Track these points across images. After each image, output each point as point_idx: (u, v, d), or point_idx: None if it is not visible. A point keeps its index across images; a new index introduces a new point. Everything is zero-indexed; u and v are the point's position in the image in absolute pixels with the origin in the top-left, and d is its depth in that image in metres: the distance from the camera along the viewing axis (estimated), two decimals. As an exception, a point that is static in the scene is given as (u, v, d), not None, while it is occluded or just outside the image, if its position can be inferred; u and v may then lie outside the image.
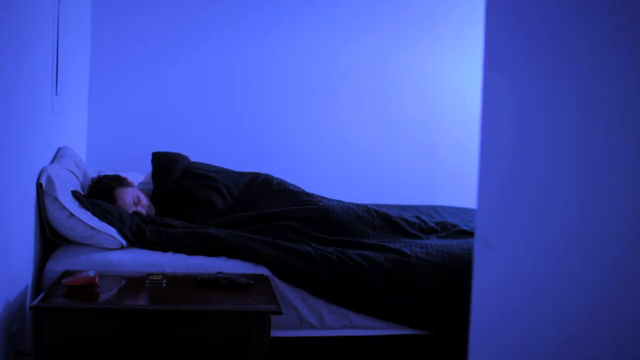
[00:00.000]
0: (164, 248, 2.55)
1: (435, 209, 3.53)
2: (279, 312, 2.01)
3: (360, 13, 4.18)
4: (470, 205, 3.83)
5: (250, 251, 2.52)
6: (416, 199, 3.94)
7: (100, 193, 2.76)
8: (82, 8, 3.57)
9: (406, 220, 2.97)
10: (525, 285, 1.04)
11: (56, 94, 2.75)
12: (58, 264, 2.42)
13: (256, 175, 3.17)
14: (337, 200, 3.10)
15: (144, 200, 2.88)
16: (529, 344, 1.01)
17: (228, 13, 4.01)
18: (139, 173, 3.36)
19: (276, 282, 2.48)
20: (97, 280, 2.08)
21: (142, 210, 2.83)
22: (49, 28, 2.63)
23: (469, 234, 2.89)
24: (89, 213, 2.52)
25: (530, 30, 1.02)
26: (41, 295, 2.04)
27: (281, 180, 3.17)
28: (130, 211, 2.77)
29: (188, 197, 2.95)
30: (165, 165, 3.05)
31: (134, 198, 2.83)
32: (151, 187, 3.05)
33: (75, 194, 2.53)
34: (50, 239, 2.53)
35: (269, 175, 3.18)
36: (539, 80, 0.98)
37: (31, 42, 2.36)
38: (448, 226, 3.00)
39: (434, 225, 3.00)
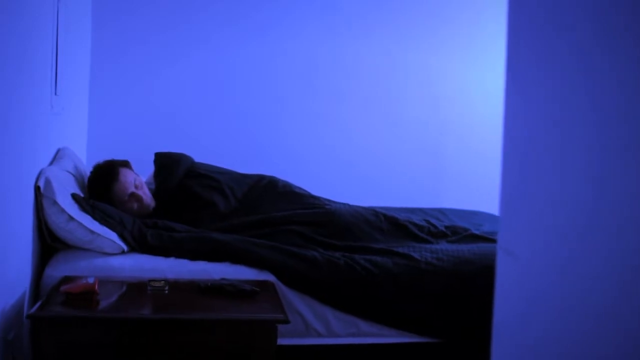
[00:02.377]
0: (165, 253, 2.47)
1: (442, 211, 3.45)
2: (286, 321, 1.93)
3: (364, 13, 4.12)
4: (478, 208, 3.77)
5: (255, 256, 2.45)
6: (423, 201, 3.87)
7: (104, 170, 2.76)
8: (83, 8, 3.51)
9: (415, 224, 2.90)
10: (549, 294, 1.00)
11: (55, 94, 2.68)
12: (57, 269, 2.34)
13: (261, 177, 3.10)
14: (344, 204, 3.03)
15: (146, 189, 2.84)
16: (552, 354, 0.97)
17: (228, 13, 3.97)
18: (140, 174, 3.29)
19: (281, 288, 2.40)
20: (96, 287, 2.00)
21: (141, 194, 2.78)
22: (48, 27, 2.57)
23: (480, 238, 2.82)
24: (89, 217, 2.44)
25: (553, 34, 0.97)
26: (39, 303, 1.97)
27: (286, 182, 3.11)
28: (129, 192, 2.74)
29: (190, 197, 2.88)
30: (168, 165, 2.99)
31: (136, 180, 2.80)
32: (153, 187, 2.98)
33: (74, 196, 2.46)
34: (49, 243, 2.46)
35: (274, 177, 3.12)
36: (562, 89, 0.94)
37: (30, 41, 2.30)
38: (458, 230, 2.92)
39: (443, 229, 2.92)
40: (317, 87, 4.10)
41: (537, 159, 1.02)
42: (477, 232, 2.87)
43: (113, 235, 2.45)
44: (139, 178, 2.85)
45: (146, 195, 2.82)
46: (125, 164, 2.86)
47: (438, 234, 2.87)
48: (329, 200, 3.03)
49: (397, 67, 4.16)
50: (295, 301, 2.40)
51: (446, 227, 2.97)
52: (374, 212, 2.91)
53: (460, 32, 4.22)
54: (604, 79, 0.84)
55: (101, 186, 2.74)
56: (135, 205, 2.78)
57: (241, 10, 3.97)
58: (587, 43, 0.88)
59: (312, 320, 2.41)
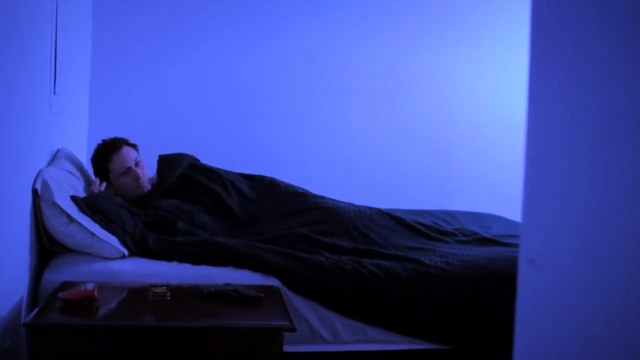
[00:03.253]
0: (167, 257, 2.40)
1: (451, 214, 3.39)
2: (292, 329, 1.86)
3: (370, 13, 4.08)
4: (486, 210, 3.71)
5: (259, 260, 2.38)
6: (431, 203, 3.81)
7: (109, 141, 2.82)
8: (83, 7, 3.45)
9: (421, 224, 2.83)
10: (573, 304, 0.97)
11: (54, 93, 2.61)
12: (56, 274, 2.27)
13: (262, 177, 3.08)
14: (348, 203, 2.96)
15: (146, 171, 2.85)
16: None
17: (230, 12, 3.93)
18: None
19: (287, 294, 2.33)
20: (96, 293, 1.93)
21: (139, 173, 2.79)
22: (47, 26, 2.51)
23: (489, 241, 2.75)
24: (89, 219, 2.37)
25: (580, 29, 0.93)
26: (36, 310, 1.90)
27: (288, 184, 3.06)
28: (127, 165, 2.77)
29: (191, 186, 2.89)
30: (172, 160, 3.01)
31: (138, 158, 2.84)
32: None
33: (74, 199, 2.39)
34: (48, 247, 2.39)
35: (274, 178, 3.08)
36: (588, 95, 0.91)
37: (29, 40, 2.24)
38: (467, 233, 2.86)
39: (451, 230, 2.86)
40: (322, 88, 4.05)
41: (561, 166, 1.00)
42: (487, 236, 2.80)
43: (114, 239, 2.38)
44: (143, 161, 2.87)
45: (144, 176, 2.83)
46: (133, 145, 2.89)
47: (447, 233, 2.80)
48: (331, 199, 2.97)
49: (405, 67, 4.11)
50: (301, 307, 2.33)
51: (454, 229, 2.91)
52: (379, 211, 2.85)
53: (468, 32, 4.18)
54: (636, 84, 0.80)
55: (102, 155, 2.80)
56: (130, 181, 2.78)
57: (242, 9, 3.93)
58: (610, 46, 0.85)
59: (319, 327, 2.34)
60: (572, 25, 0.97)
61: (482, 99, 4.19)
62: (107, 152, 2.80)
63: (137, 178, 2.79)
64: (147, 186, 2.83)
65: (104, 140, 2.87)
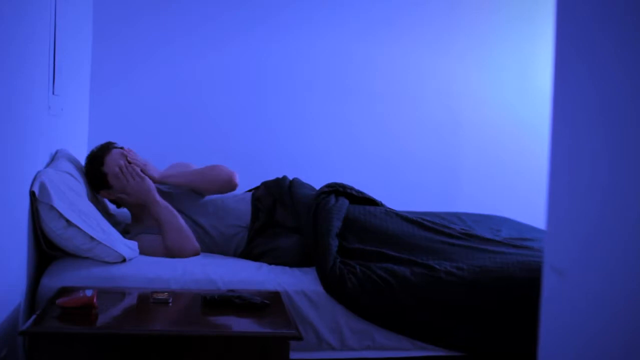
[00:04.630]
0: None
1: (458, 216, 3.32)
2: (299, 338, 1.78)
3: (379, 17, 4.06)
4: (493, 212, 3.66)
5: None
6: (438, 205, 3.75)
7: (97, 150, 2.73)
8: (84, 7, 3.40)
9: (428, 220, 2.76)
10: (600, 315, 0.93)
11: (53, 93, 2.54)
12: (54, 279, 2.20)
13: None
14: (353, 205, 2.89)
15: (148, 165, 2.75)
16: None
17: (231, 12, 3.90)
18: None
19: (293, 299, 2.26)
20: (95, 300, 1.86)
21: (137, 165, 2.68)
22: (45, 26, 2.44)
23: (500, 245, 2.67)
24: (88, 222, 2.30)
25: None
26: (33, 318, 1.82)
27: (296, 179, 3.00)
28: (122, 162, 2.67)
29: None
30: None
31: (131, 154, 2.74)
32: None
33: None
34: (46, 251, 2.32)
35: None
36: (617, 98, 0.86)
37: (26, 39, 2.17)
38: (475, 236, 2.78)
39: (459, 233, 2.78)
40: (326, 88, 4.02)
41: (588, 171, 0.94)
42: (497, 239, 2.72)
43: (114, 243, 2.31)
44: (142, 159, 2.76)
45: (142, 162, 2.72)
46: (121, 148, 2.79)
47: (455, 233, 2.72)
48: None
49: (413, 69, 4.09)
50: (309, 313, 2.26)
51: (462, 232, 2.83)
52: (386, 210, 2.79)
53: (476, 34, 4.15)
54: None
55: (95, 160, 2.70)
56: (130, 179, 2.67)
57: (243, 9, 3.90)
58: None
59: (325, 333, 2.27)
60: (600, 23, 0.91)
61: (490, 100, 4.16)
62: (98, 157, 2.71)
63: (133, 174, 2.69)
64: (154, 175, 2.75)
65: (91, 150, 2.78)
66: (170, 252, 2.54)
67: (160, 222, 2.60)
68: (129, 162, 2.69)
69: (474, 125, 4.16)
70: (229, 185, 2.77)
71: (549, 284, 1.08)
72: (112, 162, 2.68)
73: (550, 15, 4.16)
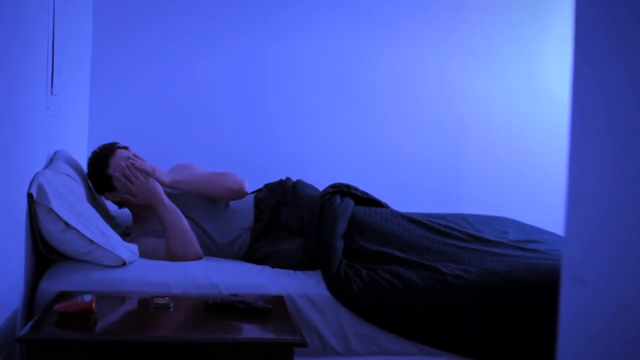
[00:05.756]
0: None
1: (464, 217, 3.26)
2: (304, 344, 1.73)
3: (383, 17, 4.01)
4: (498, 213, 3.60)
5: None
6: (441, 206, 3.70)
7: (101, 151, 2.67)
8: (84, 7, 3.36)
9: (433, 222, 2.71)
10: (622, 325, 0.89)
11: (52, 93, 2.50)
12: (53, 283, 2.16)
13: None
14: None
15: (153, 166, 2.67)
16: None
17: (231, 12, 3.87)
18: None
19: (296, 303, 2.21)
20: (94, 306, 1.81)
21: (143, 166, 2.62)
22: (43, 23, 2.39)
23: (507, 247, 2.62)
24: (87, 225, 2.25)
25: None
26: (30, 324, 1.78)
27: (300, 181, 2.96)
28: (124, 164, 2.61)
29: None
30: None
31: (130, 155, 2.67)
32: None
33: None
34: (45, 255, 2.27)
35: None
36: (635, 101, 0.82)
37: (24, 38, 2.12)
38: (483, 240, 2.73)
39: (465, 237, 2.73)
40: (330, 89, 3.98)
41: (609, 175, 0.90)
42: (504, 241, 2.67)
43: (114, 246, 2.26)
44: (144, 161, 2.70)
45: (149, 168, 2.65)
46: (125, 147, 2.73)
47: (462, 235, 2.67)
48: None
49: (417, 70, 4.05)
50: (313, 317, 2.21)
51: (469, 234, 2.78)
52: (391, 211, 2.74)
53: (481, 36, 4.11)
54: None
55: (98, 163, 2.65)
56: (134, 180, 2.62)
57: (243, 9, 3.87)
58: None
59: (330, 338, 2.22)
60: (618, 22, 0.86)
61: (495, 100, 4.12)
62: (102, 159, 2.65)
63: (136, 175, 2.62)
64: (163, 179, 2.67)
65: (94, 152, 2.72)
66: (173, 256, 2.49)
67: (165, 224, 2.55)
68: (134, 167, 2.64)
69: (479, 125, 4.12)
70: (238, 194, 2.72)
71: (568, 292, 1.04)
72: (117, 164, 2.63)
73: (556, 15, 4.12)
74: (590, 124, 0.97)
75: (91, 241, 2.22)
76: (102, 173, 2.64)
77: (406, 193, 3.98)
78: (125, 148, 2.73)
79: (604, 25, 0.91)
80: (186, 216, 2.67)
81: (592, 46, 0.94)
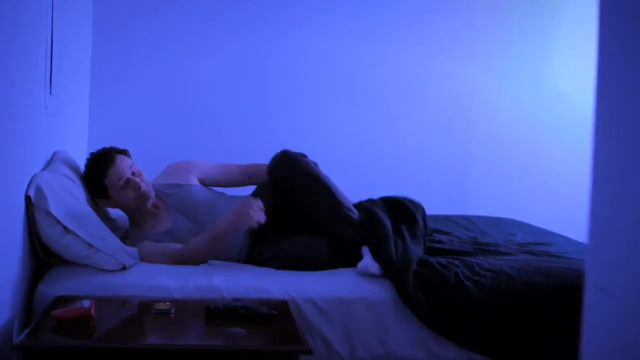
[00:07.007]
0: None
1: (469, 219, 3.22)
2: (309, 352, 1.68)
3: (387, 19, 3.99)
4: (504, 215, 3.57)
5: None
6: (447, 207, 3.66)
7: (100, 154, 2.59)
8: (83, 6, 3.32)
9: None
10: None
11: (50, 93, 2.45)
12: (51, 288, 2.11)
13: None
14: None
15: (145, 178, 2.62)
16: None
17: (231, 12, 3.84)
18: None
19: (301, 307, 2.16)
20: (93, 311, 1.76)
21: (138, 181, 2.56)
22: (42, 22, 2.35)
23: (516, 250, 2.58)
24: (87, 228, 2.20)
25: None
26: (27, 330, 1.73)
27: None
28: (125, 176, 2.54)
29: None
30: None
31: (133, 167, 2.60)
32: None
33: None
34: (43, 259, 2.22)
35: None
36: None
37: (22, 37, 2.08)
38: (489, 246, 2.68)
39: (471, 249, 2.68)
40: (335, 89, 3.95)
41: (634, 179, 0.87)
42: (513, 245, 2.63)
43: (114, 250, 2.21)
44: (137, 167, 2.64)
45: (145, 183, 2.59)
46: (124, 151, 2.66)
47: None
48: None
49: (423, 71, 4.02)
50: (317, 322, 2.16)
51: (474, 241, 2.73)
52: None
53: (487, 38, 4.09)
54: None
55: (96, 171, 2.56)
56: (131, 194, 2.56)
57: (243, 8, 3.84)
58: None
59: (335, 342, 2.17)
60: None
61: (502, 101, 4.09)
62: (101, 168, 2.56)
63: (137, 188, 2.57)
64: (151, 191, 2.64)
65: (92, 154, 2.64)
66: (180, 264, 2.41)
67: (198, 245, 2.45)
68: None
69: (485, 126, 4.09)
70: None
71: (591, 301, 1.00)
72: (115, 174, 2.56)
73: (564, 16, 4.08)
74: (613, 134, 0.93)
75: (90, 245, 2.17)
76: (99, 182, 2.57)
77: (411, 194, 3.92)
78: (125, 152, 2.67)
79: (629, 25, 0.87)
80: (186, 217, 2.62)
81: (617, 47, 0.90)
